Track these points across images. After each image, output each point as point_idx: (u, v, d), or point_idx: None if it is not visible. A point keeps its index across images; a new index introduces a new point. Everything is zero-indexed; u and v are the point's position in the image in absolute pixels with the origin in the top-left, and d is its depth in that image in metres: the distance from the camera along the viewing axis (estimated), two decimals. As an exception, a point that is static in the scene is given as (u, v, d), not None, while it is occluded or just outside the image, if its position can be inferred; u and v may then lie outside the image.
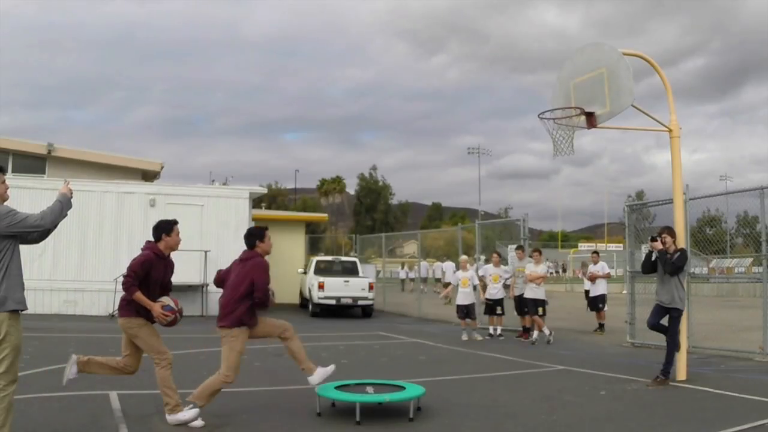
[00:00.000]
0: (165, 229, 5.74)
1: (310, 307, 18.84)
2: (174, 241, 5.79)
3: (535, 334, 12.25)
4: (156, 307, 5.49)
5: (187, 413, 5.54)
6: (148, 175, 23.50)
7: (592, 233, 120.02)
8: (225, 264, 6.23)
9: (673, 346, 7.86)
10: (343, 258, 21.55)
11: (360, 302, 18.44)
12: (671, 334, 7.84)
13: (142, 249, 5.75)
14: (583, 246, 79.13)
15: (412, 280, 30.33)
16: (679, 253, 7.82)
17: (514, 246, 14.35)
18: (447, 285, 19.39)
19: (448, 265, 24.59)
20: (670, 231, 7.99)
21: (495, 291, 13.33)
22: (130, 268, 5.50)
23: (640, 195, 75.92)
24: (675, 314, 7.85)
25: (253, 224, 18.53)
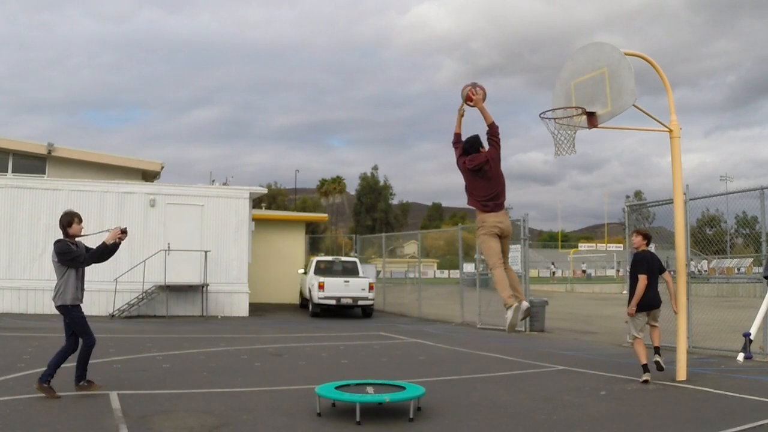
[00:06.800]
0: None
1: (310, 307, 18.82)
2: None
3: None
4: None
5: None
6: (148, 175, 23.50)
7: (592, 233, 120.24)
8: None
9: None
10: (343, 258, 21.51)
11: (360, 302, 18.42)
12: None
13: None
14: (584, 246, 79.35)
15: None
16: None
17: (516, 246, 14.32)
18: None
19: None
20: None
21: None
22: None
23: (638, 195, 76.05)
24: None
25: (253, 224, 18.54)
